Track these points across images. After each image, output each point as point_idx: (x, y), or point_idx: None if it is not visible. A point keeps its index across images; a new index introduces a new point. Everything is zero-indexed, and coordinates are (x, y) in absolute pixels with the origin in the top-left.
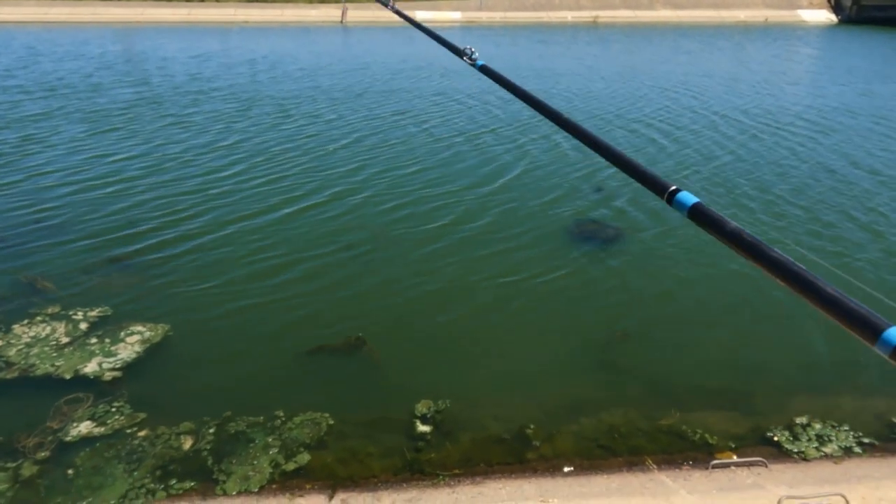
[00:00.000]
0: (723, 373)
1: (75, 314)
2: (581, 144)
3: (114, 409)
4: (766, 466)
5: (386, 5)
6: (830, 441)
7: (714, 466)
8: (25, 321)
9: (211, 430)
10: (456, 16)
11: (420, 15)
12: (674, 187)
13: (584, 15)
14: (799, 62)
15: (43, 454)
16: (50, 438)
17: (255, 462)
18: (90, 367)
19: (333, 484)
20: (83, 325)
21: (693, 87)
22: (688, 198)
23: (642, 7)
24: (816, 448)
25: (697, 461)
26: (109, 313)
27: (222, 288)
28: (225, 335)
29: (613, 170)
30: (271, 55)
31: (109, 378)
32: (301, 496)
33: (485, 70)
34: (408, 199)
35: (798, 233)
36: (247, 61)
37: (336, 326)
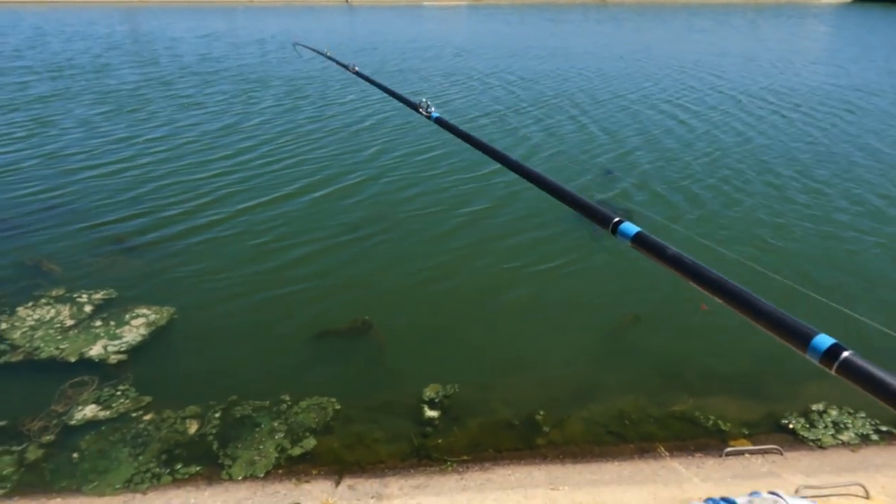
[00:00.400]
0: (736, 357)
1: (80, 297)
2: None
3: (119, 393)
4: (782, 454)
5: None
6: (847, 428)
7: (728, 454)
8: (30, 303)
9: (216, 415)
10: None
11: None
12: (617, 219)
13: None
14: (816, 40)
15: (48, 438)
16: (55, 422)
17: (261, 447)
18: (95, 350)
19: (340, 469)
20: (88, 308)
21: (712, 67)
22: (630, 228)
23: None
24: (833, 436)
25: (711, 448)
26: (115, 296)
27: (229, 272)
28: (231, 319)
29: (623, 151)
30: (279, 35)
31: (115, 361)
32: (307, 481)
33: (440, 122)
34: (421, 184)
35: (839, 213)
36: (255, 41)
37: (344, 311)
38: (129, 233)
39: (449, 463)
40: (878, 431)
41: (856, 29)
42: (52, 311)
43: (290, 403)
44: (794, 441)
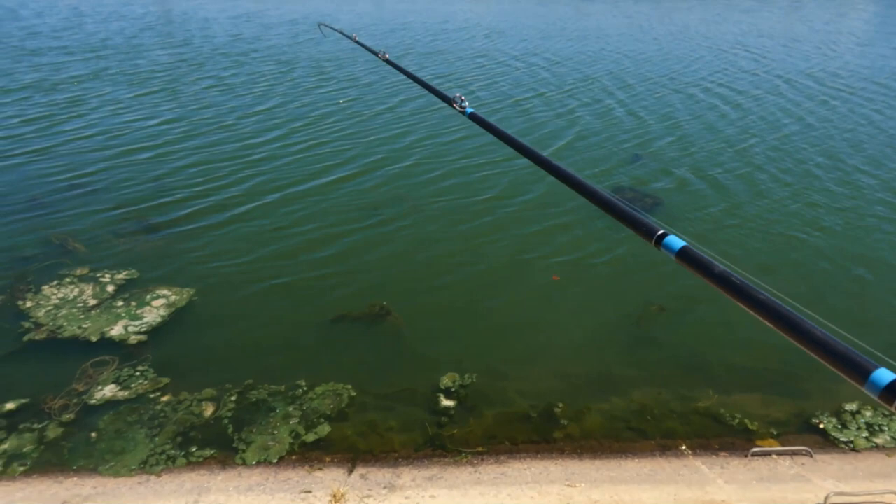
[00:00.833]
0: (764, 352)
1: (103, 276)
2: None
3: (138, 374)
4: (811, 457)
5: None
6: (882, 431)
7: (754, 454)
8: (55, 282)
9: (232, 398)
10: None
11: None
12: (661, 231)
13: None
14: (866, 20)
15: (68, 416)
16: (75, 401)
17: (276, 432)
18: (116, 330)
19: (353, 458)
20: (111, 288)
21: (752, 49)
22: (675, 242)
23: None
24: (866, 438)
25: (736, 448)
26: (136, 276)
27: (249, 255)
28: (249, 302)
29: (653, 138)
30: (313, 15)
31: (135, 342)
32: (320, 469)
33: (474, 118)
34: (446, 169)
35: (873, 206)
36: (287, 21)
37: (362, 295)
38: (154, 215)
39: (463, 454)
40: None
41: None
42: (76, 290)
43: (305, 389)
44: (825, 443)
